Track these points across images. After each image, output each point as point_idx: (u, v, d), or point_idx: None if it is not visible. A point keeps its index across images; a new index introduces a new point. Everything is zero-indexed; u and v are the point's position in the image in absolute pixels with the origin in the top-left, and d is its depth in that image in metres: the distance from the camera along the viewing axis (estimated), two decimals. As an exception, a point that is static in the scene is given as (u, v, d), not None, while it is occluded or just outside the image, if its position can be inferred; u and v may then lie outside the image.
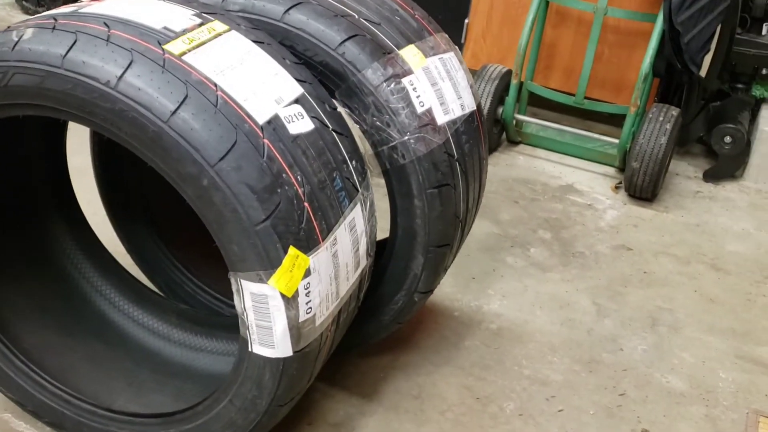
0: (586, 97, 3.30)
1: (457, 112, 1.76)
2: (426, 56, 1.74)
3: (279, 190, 1.34)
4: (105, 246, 2.07)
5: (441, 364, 2.16)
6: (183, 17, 1.46)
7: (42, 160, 1.91)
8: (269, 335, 1.40)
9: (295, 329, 1.40)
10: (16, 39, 1.34)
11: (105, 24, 1.36)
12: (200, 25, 1.46)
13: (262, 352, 1.43)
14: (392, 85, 1.63)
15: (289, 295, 1.36)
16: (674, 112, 3.05)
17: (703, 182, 3.42)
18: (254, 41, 1.50)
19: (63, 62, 1.29)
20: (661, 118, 3.01)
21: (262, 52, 1.49)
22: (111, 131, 1.32)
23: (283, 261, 1.34)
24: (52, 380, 1.74)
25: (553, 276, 2.63)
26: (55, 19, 1.39)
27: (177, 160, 1.29)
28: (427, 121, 1.67)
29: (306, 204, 1.38)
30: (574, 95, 3.33)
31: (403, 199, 1.71)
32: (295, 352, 1.43)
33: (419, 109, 1.66)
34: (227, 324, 2.05)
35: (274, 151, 1.35)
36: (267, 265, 1.34)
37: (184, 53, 1.36)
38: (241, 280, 1.37)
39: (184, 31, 1.41)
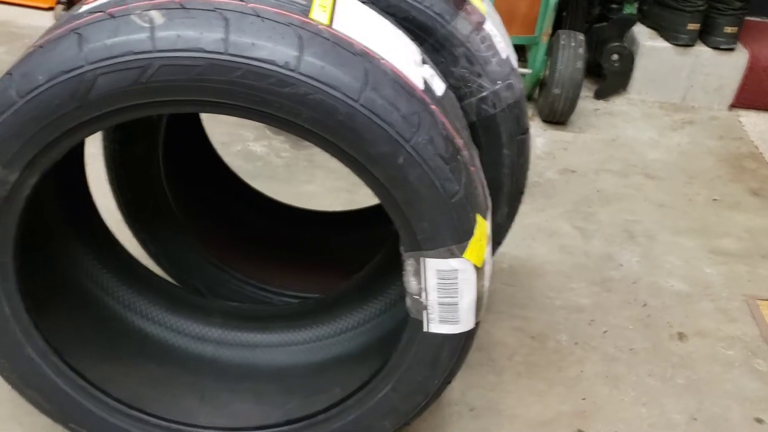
0: (490, 32, 3.36)
1: (513, 57, 1.74)
2: (482, 2, 1.70)
3: (458, 157, 1.26)
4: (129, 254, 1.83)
5: (482, 311, 2.17)
6: (294, -19, 1.29)
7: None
8: (453, 311, 1.33)
9: (480, 300, 1.35)
10: (147, 25, 1.12)
11: (236, -3, 1.18)
12: (313, -11, 1.30)
13: (441, 330, 1.36)
14: (480, 34, 1.58)
15: (480, 265, 1.30)
16: (581, 36, 3.21)
17: (595, 100, 3.65)
18: (360, 1, 1.37)
19: (227, 47, 1.10)
20: (572, 44, 3.16)
21: (375, 14, 1.37)
22: (284, 120, 1.16)
23: (475, 231, 1.28)
24: (154, 413, 1.53)
25: (526, 208, 2.68)
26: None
27: (370, 141, 1.17)
28: (510, 67, 1.63)
29: (472, 168, 1.32)
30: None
31: (490, 150, 1.67)
32: (475, 324, 1.37)
33: (503, 56, 1.62)
34: (278, 314, 1.91)
35: (441, 117, 1.27)
36: (461, 238, 1.26)
37: (330, 23, 1.22)
38: (426, 260, 1.28)
39: (311, -2, 1.26)
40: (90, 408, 1.48)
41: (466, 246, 1.27)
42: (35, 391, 1.46)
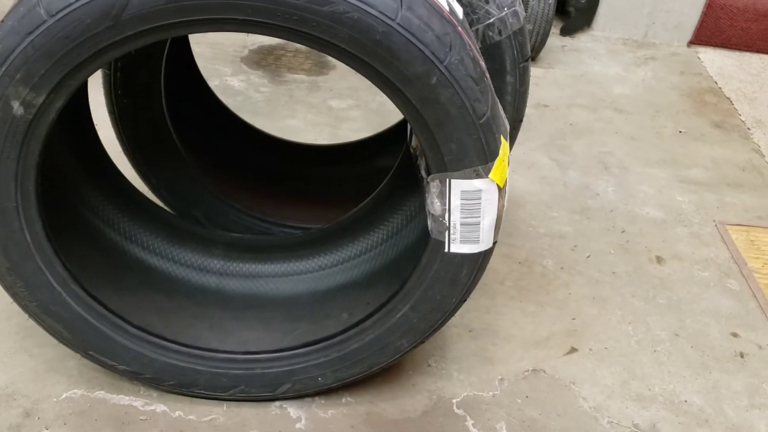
0: (460, -33, 3.36)
1: (514, -16, 1.76)
2: (484, -71, 1.70)
3: (485, 79, 1.29)
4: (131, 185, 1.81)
5: (471, 239, 2.23)
6: None
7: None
8: (475, 231, 1.38)
9: (500, 219, 1.39)
10: (183, -59, 1.10)
11: None
12: None
13: (462, 250, 1.40)
14: (488, -39, 1.59)
15: (502, 185, 1.34)
16: (552, -29, 3.23)
17: (561, 37, 3.70)
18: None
19: (265, -36, 1.10)
20: (544, -21, 3.18)
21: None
22: (320, 40, 1.16)
23: (499, 151, 1.31)
24: (172, 339, 1.55)
25: (504, 141, 2.76)
26: None
27: (405, 61, 1.18)
28: (515, -6, 1.66)
29: (492, 89, 1.34)
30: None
31: (494, 77, 1.69)
32: (493, 243, 1.42)
33: (509, -17, 1.64)
34: (280, 245, 1.93)
35: (468, 38, 1.29)
36: (486, 159, 1.30)
37: (359, -58, 1.22)
38: (452, 180, 1.32)
39: None
40: (111, 335, 1.48)
41: (491, 167, 1.30)
42: (55, 320, 1.46)
